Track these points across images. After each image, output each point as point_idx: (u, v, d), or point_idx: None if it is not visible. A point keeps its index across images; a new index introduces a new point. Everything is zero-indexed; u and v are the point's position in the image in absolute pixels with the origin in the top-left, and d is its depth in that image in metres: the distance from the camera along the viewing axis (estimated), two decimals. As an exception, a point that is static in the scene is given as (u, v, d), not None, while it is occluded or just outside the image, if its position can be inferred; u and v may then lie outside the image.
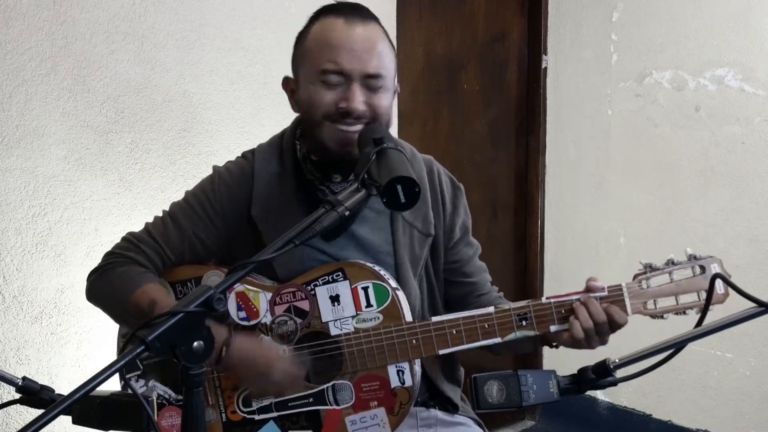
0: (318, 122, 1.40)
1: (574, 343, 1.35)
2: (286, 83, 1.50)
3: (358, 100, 1.37)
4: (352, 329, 1.42)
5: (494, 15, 3.37)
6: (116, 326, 1.59)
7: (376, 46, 1.39)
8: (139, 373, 1.50)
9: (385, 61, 1.41)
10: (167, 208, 1.55)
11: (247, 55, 2.48)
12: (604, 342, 1.36)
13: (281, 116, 2.55)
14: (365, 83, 1.38)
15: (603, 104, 3.33)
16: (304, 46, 1.43)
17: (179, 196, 1.58)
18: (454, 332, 1.40)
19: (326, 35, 1.39)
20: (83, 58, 2.14)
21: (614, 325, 1.35)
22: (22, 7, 2.02)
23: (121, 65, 2.21)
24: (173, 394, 1.49)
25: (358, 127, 1.38)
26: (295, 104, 1.49)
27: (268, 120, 2.51)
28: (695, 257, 1.37)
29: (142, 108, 2.26)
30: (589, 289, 1.39)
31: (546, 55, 3.50)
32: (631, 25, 3.22)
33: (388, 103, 1.43)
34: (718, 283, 1.32)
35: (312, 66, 1.40)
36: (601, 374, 1.16)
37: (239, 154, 1.60)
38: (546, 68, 3.50)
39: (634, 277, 1.39)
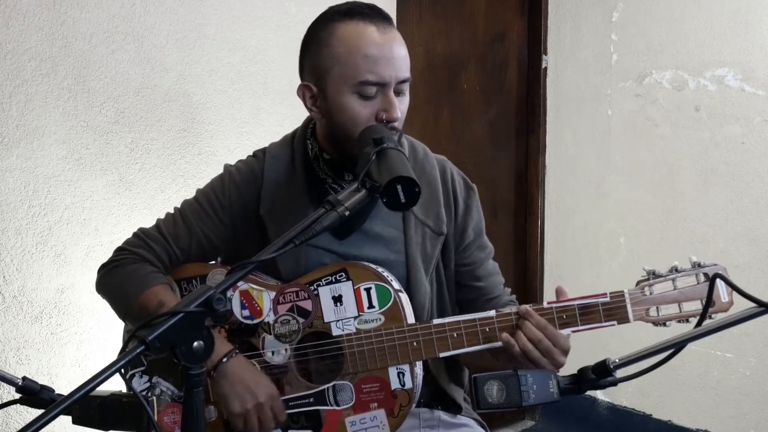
0: (358, 137, 1.36)
1: (514, 362, 1.35)
2: (305, 90, 1.43)
3: (397, 108, 1.36)
4: (354, 330, 1.42)
5: (494, 15, 3.37)
6: (117, 326, 1.59)
7: (404, 50, 1.39)
8: (143, 369, 1.50)
9: (409, 63, 1.41)
10: (179, 206, 1.57)
11: (247, 55, 2.48)
12: (556, 363, 1.34)
13: (281, 116, 2.55)
14: (396, 88, 1.38)
15: (603, 104, 3.33)
16: (331, 53, 1.37)
17: (179, 196, 1.59)
18: (455, 335, 1.40)
19: (360, 43, 1.35)
20: (83, 58, 2.14)
21: (556, 343, 1.34)
22: (22, 7, 2.02)
23: (121, 65, 2.21)
24: (176, 391, 1.49)
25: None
26: (318, 112, 1.43)
27: (268, 120, 2.51)
28: (699, 264, 1.36)
29: (142, 108, 2.26)
30: (558, 292, 1.39)
31: (546, 55, 3.50)
32: (631, 25, 3.22)
33: (407, 106, 1.44)
34: (722, 289, 1.32)
35: (347, 76, 1.35)
36: (601, 374, 1.16)
37: (250, 153, 1.60)
38: (546, 68, 3.50)
39: (637, 283, 1.38)
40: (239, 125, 2.48)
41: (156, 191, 2.29)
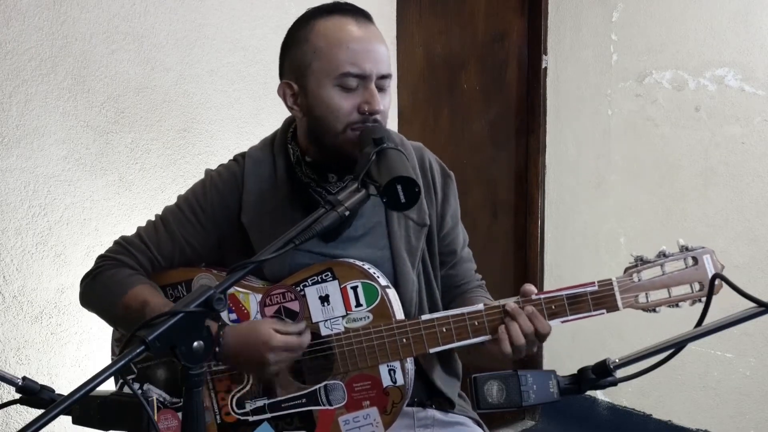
0: (340, 131, 1.37)
1: (503, 356, 1.36)
2: (285, 88, 1.44)
3: (379, 101, 1.36)
4: (343, 329, 1.42)
5: (494, 15, 3.37)
6: (116, 326, 1.59)
7: (384, 47, 1.40)
8: (133, 377, 1.50)
9: (389, 61, 1.41)
10: (160, 213, 1.56)
11: (247, 55, 2.48)
12: (532, 351, 1.38)
13: (281, 116, 2.53)
14: (377, 84, 1.37)
15: (603, 104, 3.33)
16: (311, 48, 1.38)
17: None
18: (444, 330, 1.40)
19: (341, 36, 1.36)
20: (83, 58, 2.14)
21: (540, 336, 1.36)
22: (22, 7, 2.02)
23: (121, 65, 2.21)
24: (168, 398, 1.49)
25: None
26: (299, 110, 1.43)
27: (268, 120, 2.51)
28: (687, 248, 1.36)
29: (142, 108, 2.26)
30: (523, 294, 1.39)
31: (546, 55, 3.50)
32: (631, 25, 3.22)
33: (389, 102, 1.44)
34: (709, 266, 1.33)
35: (328, 69, 1.36)
36: (601, 374, 1.16)
37: (232, 157, 1.59)
38: (546, 68, 3.50)
39: (625, 270, 1.38)
40: (239, 125, 2.48)
41: (156, 191, 2.29)
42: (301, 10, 1.49)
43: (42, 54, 2.06)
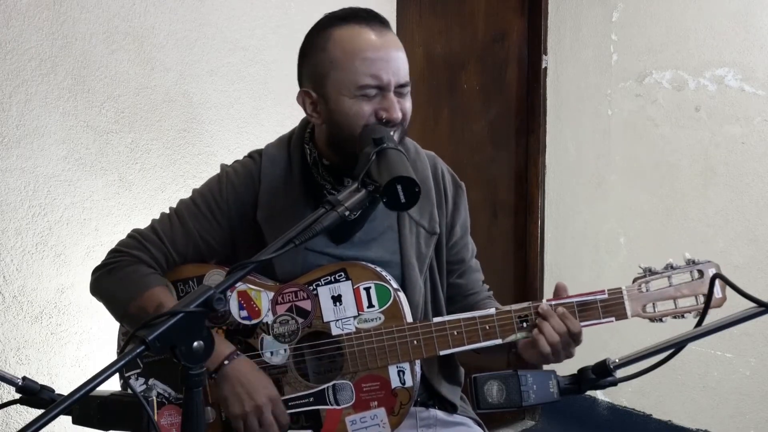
0: (359, 134, 1.37)
1: (542, 359, 1.37)
2: (304, 96, 1.44)
3: (397, 109, 1.37)
4: (354, 329, 1.42)
5: (494, 15, 3.37)
6: (116, 326, 1.59)
7: (402, 54, 1.40)
8: (138, 371, 1.50)
9: (408, 67, 1.41)
10: (174, 206, 1.55)
11: (247, 55, 2.48)
12: (570, 354, 1.39)
13: (281, 116, 2.55)
14: (396, 91, 1.38)
15: (603, 104, 3.33)
16: (329, 57, 1.38)
17: (179, 196, 1.58)
18: (455, 333, 1.41)
19: (357, 46, 1.36)
20: (83, 58, 2.14)
21: (573, 335, 1.37)
22: (22, 7, 2.02)
23: (121, 65, 2.21)
24: (173, 393, 1.49)
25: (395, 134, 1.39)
26: (319, 116, 1.43)
27: (268, 120, 2.51)
28: (693, 262, 1.41)
29: (142, 108, 2.26)
30: (557, 290, 1.41)
31: (546, 55, 3.50)
32: (631, 25, 3.22)
33: (411, 105, 1.44)
34: (716, 285, 1.33)
35: (346, 80, 1.36)
36: (601, 374, 1.16)
37: (247, 153, 1.59)
38: (546, 68, 3.50)
39: (634, 280, 1.41)
40: (239, 125, 2.48)
41: (156, 191, 2.29)
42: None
43: (42, 54, 2.06)
